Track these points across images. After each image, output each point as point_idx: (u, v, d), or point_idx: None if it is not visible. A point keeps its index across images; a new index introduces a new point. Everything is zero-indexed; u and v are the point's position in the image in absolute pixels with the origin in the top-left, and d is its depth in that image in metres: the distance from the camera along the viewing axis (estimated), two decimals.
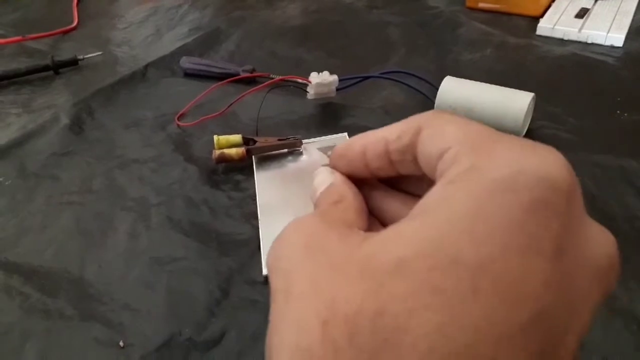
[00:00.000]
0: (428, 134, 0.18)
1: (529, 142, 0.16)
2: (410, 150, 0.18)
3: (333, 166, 0.22)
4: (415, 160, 0.19)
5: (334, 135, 0.51)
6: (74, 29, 0.83)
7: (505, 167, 0.15)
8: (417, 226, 0.15)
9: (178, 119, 0.56)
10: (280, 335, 0.15)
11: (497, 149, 0.15)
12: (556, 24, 0.70)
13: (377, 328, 0.13)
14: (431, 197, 0.16)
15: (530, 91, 0.49)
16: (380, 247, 0.15)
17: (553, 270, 0.14)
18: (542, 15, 0.73)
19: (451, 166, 0.16)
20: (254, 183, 0.46)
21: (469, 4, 0.80)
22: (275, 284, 0.17)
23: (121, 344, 0.34)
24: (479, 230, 0.14)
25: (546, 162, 0.15)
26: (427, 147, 0.18)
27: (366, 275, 0.14)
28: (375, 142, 0.20)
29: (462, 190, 0.15)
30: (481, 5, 0.78)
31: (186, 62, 0.66)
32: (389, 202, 0.21)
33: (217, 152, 0.48)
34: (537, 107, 0.51)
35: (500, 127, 0.38)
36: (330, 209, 0.20)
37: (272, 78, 0.60)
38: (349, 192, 0.21)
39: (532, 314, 0.13)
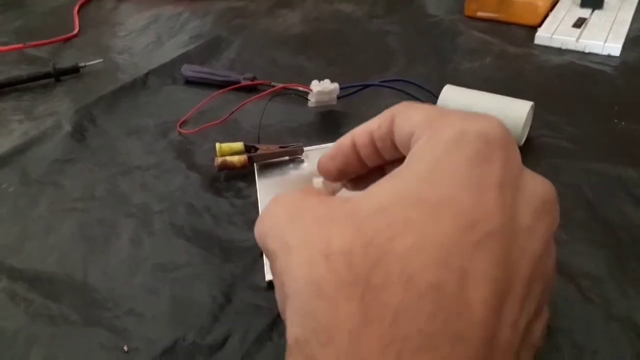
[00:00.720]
0: (400, 120, 0.22)
1: (473, 112, 0.21)
2: (389, 136, 0.23)
3: (324, 172, 0.27)
4: (394, 145, 0.23)
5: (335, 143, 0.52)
6: (75, 36, 0.84)
7: (452, 130, 0.19)
8: (390, 182, 0.19)
9: (180, 126, 0.56)
10: (291, 274, 0.19)
11: (447, 121, 0.20)
12: (554, 34, 0.71)
13: (368, 255, 0.17)
14: (400, 167, 0.20)
15: (529, 100, 0.50)
16: (361, 202, 0.19)
17: (497, 201, 0.18)
18: (540, 25, 0.74)
19: (415, 143, 0.21)
20: (256, 190, 0.46)
21: (467, 13, 0.80)
22: (271, 247, 0.20)
23: (125, 348, 0.34)
24: (436, 178, 0.18)
25: (484, 124, 0.19)
26: (400, 131, 0.22)
27: (351, 219, 0.18)
28: (362, 134, 0.24)
29: (421, 155, 0.20)
30: (480, 14, 0.79)
31: (187, 70, 0.67)
32: None
33: (219, 160, 0.48)
34: (536, 116, 0.52)
35: None
36: (305, 188, 0.24)
37: (273, 86, 0.61)
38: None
39: (484, 232, 0.17)
